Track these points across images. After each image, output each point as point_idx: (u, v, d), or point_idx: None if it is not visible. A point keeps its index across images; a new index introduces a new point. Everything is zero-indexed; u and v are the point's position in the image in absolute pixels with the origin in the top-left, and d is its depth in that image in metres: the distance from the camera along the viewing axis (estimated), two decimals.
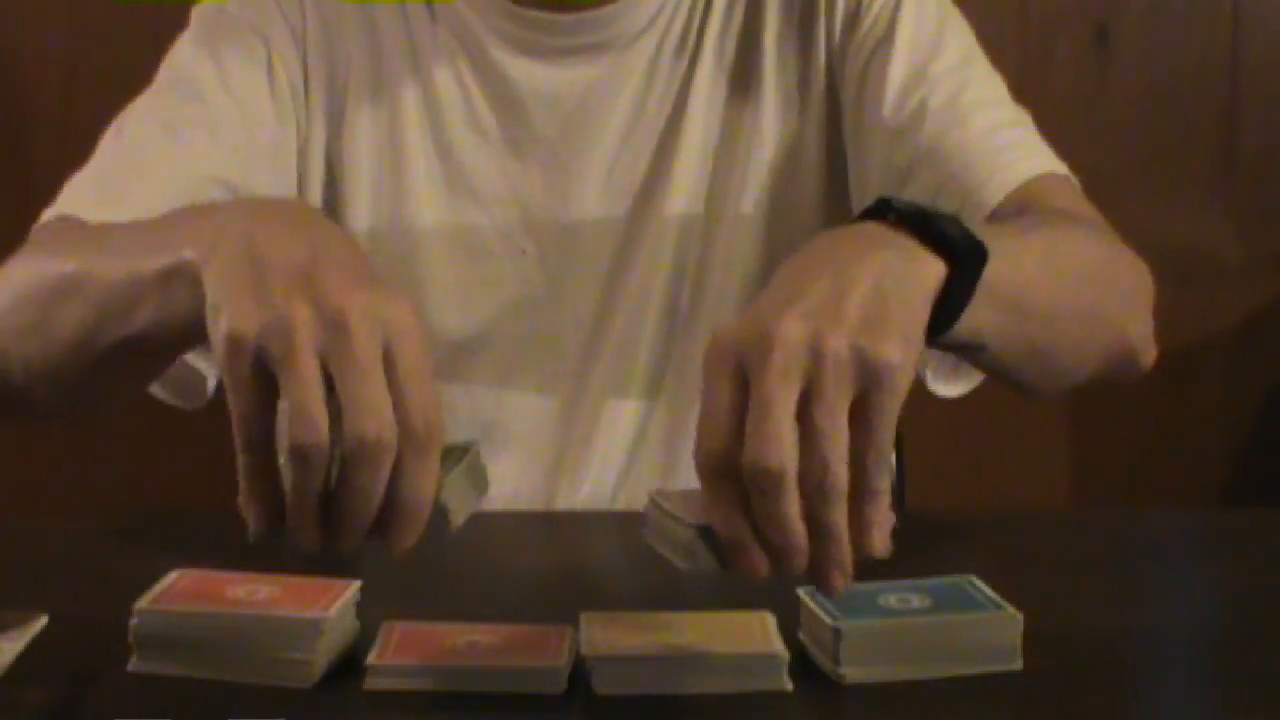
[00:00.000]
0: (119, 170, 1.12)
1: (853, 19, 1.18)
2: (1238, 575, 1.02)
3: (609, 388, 1.20)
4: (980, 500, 2.22)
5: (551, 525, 1.19)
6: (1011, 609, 0.83)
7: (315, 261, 0.75)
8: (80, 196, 1.10)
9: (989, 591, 0.85)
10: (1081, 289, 0.99)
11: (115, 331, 0.88)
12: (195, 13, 1.20)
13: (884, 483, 0.75)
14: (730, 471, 0.73)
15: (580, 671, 0.81)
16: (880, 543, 0.75)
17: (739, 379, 0.74)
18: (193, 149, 1.13)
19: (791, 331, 0.74)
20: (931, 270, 0.81)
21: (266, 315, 0.73)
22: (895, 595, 0.84)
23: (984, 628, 0.83)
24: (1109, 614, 0.94)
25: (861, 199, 1.17)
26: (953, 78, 1.15)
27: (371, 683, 0.80)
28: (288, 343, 0.72)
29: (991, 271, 0.84)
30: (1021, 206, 1.08)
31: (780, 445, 0.72)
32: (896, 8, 1.17)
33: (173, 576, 0.85)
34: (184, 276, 0.81)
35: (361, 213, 1.19)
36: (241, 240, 0.77)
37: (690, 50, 1.19)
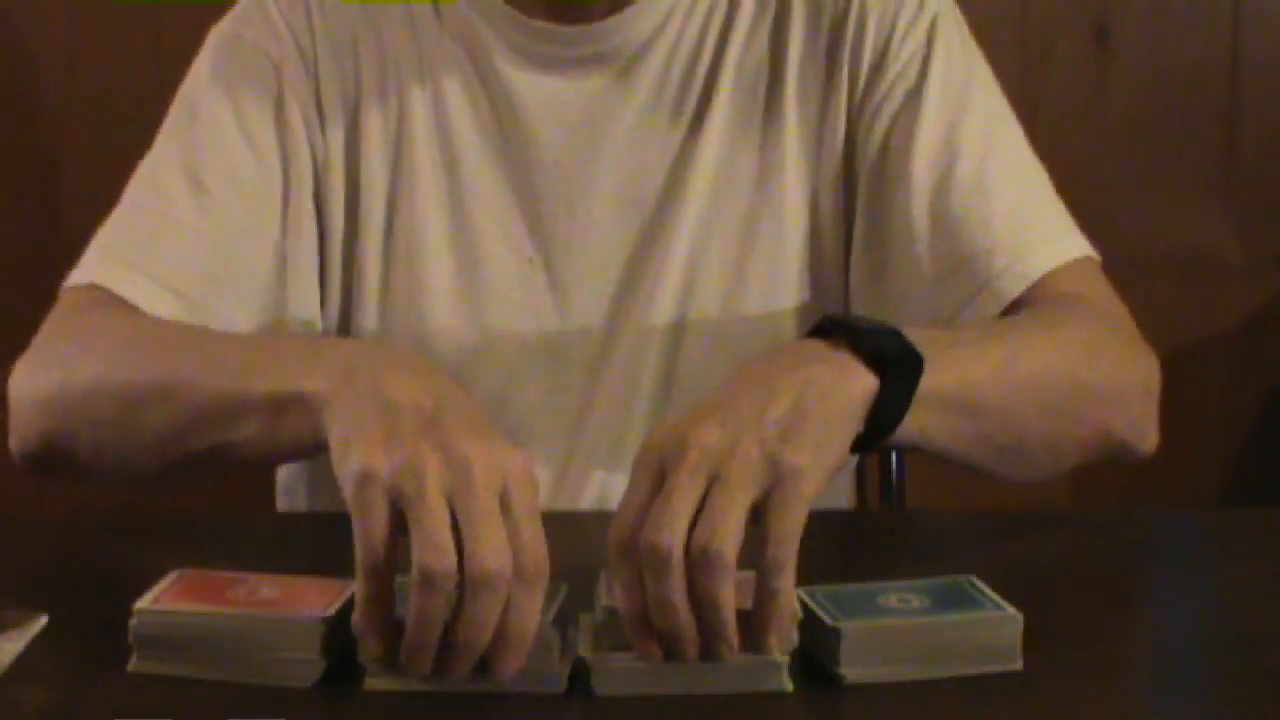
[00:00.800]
0: (147, 227, 1.15)
1: (879, 63, 1.17)
2: (1238, 575, 1.02)
3: (616, 399, 1.20)
4: (980, 500, 2.21)
5: (551, 526, 1.19)
6: (1011, 609, 0.83)
7: (440, 408, 0.83)
8: (111, 258, 1.13)
9: (989, 591, 0.85)
10: (1043, 391, 1.03)
11: (210, 438, 0.96)
12: (211, 39, 1.22)
13: (781, 582, 0.80)
14: (633, 555, 0.80)
15: (580, 672, 0.81)
16: (775, 643, 0.80)
17: (659, 477, 0.81)
18: (217, 201, 1.15)
19: (708, 437, 0.81)
20: (861, 384, 0.88)
21: (398, 456, 0.80)
22: (895, 595, 0.84)
23: (984, 628, 0.83)
24: (1109, 614, 0.94)
25: (874, 250, 1.18)
26: (981, 141, 1.16)
27: (371, 683, 0.80)
28: (420, 483, 0.78)
29: (935, 380, 0.91)
30: (1037, 297, 1.12)
31: (670, 528, 0.79)
32: (927, 58, 1.17)
33: (173, 576, 0.85)
34: (301, 405, 0.90)
35: (374, 220, 1.19)
36: (369, 383, 0.86)
37: (705, 75, 1.19)
